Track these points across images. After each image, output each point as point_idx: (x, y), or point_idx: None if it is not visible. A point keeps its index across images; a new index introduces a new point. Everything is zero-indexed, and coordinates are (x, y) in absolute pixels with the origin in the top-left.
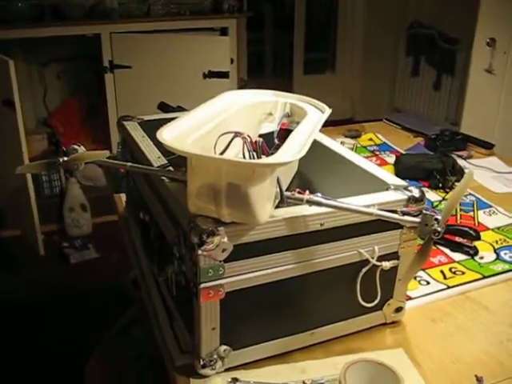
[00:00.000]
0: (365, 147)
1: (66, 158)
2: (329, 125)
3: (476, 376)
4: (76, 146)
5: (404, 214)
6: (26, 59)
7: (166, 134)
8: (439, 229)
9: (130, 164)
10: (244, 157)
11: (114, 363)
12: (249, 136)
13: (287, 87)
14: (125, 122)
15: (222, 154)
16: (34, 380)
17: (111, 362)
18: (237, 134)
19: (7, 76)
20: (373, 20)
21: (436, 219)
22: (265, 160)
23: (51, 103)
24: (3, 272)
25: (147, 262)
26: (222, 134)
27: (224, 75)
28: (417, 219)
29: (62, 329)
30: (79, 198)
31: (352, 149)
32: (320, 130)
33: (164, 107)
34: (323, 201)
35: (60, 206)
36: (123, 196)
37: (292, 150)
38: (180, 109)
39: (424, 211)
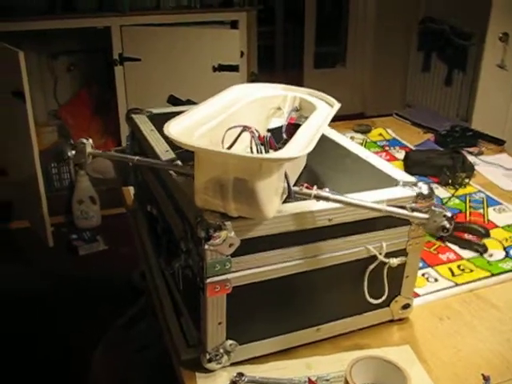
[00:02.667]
0: (374, 142)
1: (73, 152)
2: (339, 119)
3: (483, 375)
4: (84, 140)
5: (413, 210)
6: (37, 51)
7: (173, 128)
8: (448, 225)
9: (137, 158)
10: (252, 151)
11: (121, 354)
12: (257, 130)
13: (298, 81)
14: (133, 115)
15: (229, 148)
16: (42, 369)
17: (118, 352)
18: (244, 128)
19: (17, 67)
20: (384, 14)
21: (445, 216)
22: (272, 155)
23: (62, 95)
24: (12, 264)
25: (154, 255)
26: (230, 128)
27: (234, 69)
28: (426, 215)
29: (70, 320)
30: (88, 191)
31: (361, 144)
32: (329, 125)
33: (174, 100)
34: (331, 196)
35: (69, 198)
36: (131, 189)
37: (299, 145)
38: (189, 102)
39: (433, 207)
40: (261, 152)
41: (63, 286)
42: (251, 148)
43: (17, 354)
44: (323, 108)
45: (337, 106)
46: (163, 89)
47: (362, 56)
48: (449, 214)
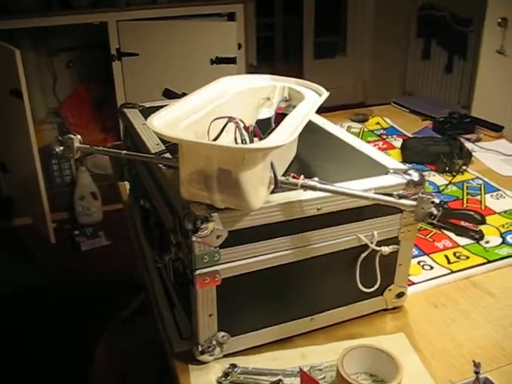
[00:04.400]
0: (372, 131)
1: (61, 148)
2: (340, 109)
3: (474, 361)
4: (72, 135)
5: (400, 197)
6: (35, 49)
7: (156, 121)
8: (435, 212)
9: (124, 152)
10: (236, 142)
11: (123, 347)
12: (241, 121)
13: (298, 72)
14: (126, 110)
15: (215, 139)
16: (45, 363)
17: (120, 346)
18: (230, 119)
19: (14, 66)
20: (383, 2)
21: (433, 202)
22: (254, 145)
23: (61, 93)
24: (15, 260)
25: (149, 249)
26: (214, 120)
27: (231, 61)
28: (413, 202)
29: (72, 315)
30: (89, 187)
31: (359, 133)
32: (326, 115)
33: (169, 94)
34: (318, 185)
35: (71, 194)
36: (128, 184)
37: (284, 134)
38: (185, 95)
39: (420, 194)
40: (245, 142)
41: (66, 281)
42: (235, 139)
43: (20, 348)
44: (311, 97)
45: (325, 94)
46: (162, 83)
47: (361, 45)
48: (437, 201)
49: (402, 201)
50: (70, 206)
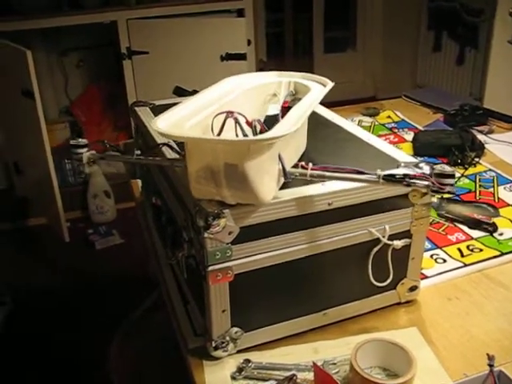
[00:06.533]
0: (383, 125)
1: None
2: (351, 103)
3: (488, 354)
4: (81, 150)
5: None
6: (46, 49)
7: (161, 122)
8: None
9: (135, 157)
10: (237, 137)
11: (137, 345)
12: (241, 114)
13: (308, 67)
14: (136, 108)
15: (218, 135)
16: (60, 360)
17: (134, 343)
18: (228, 114)
19: (26, 66)
20: None
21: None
22: (259, 136)
23: (73, 92)
24: (31, 260)
25: (162, 246)
26: (216, 116)
27: (241, 57)
28: (425, 182)
29: (87, 313)
30: (103, 185)
31: (370, 127)
32: (337, 109)
33: (179, 91)
34: (326, 173)
35: (84, 193)
36: (140, 182)
37: (288, 124)
38: (196, 92)
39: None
40: (247, 136)
41: (80, 280)
42: (236, 133)
43: (35, 347)
44: (316, 89)
45: (330, 84)
46: (172, 80)
47: (372, 39)
48: (449, 169)
49: (413, 180)
50: (84, 205)
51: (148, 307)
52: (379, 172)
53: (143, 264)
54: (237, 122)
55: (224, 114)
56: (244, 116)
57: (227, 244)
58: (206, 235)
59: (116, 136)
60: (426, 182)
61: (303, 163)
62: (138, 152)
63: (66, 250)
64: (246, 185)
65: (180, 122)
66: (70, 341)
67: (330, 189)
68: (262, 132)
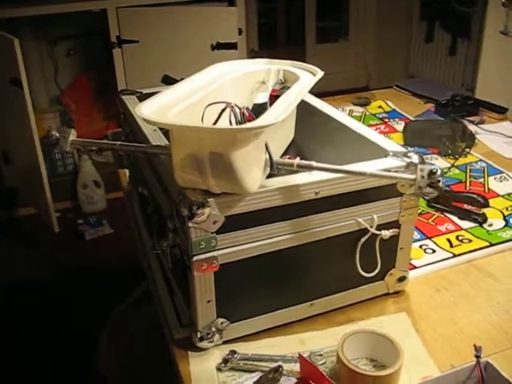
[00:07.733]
0: (374, 115)
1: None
2: (343, 93)
3: (475, 345)
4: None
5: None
6: (36, 38)
7: (145, 108)
8: (436, 169)
9: (119, 143)
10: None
11: (127, 334)
12: (236, 105)
13: (300, 57)
14: (123, 96)
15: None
16: (50, 350)
17: (124, 332)
18: (227, 104)
19: (13, 55)
20: None
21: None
22: (245, 125)
23: (63, 81)
24: (20, 250)
25: (148, 236)
26: (209, 105)
27: (232, 46)
28: (412, 176)
29: (78, 303)
30: (92, 175)
31: (361, 117)
32: (329, 99)
33: (168, 80)
34: (314, 164)
35: (74, 183)
36: (127, 171)
37: (275, 113)
38: None
39: (419, 165)
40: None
41: (71, 270)
42: (230, 122)
43: (25, 337)
44: (306, 77)
45: (320, 73)
46: (162, 69)
47: (364, 29)
48: (437, 169)
49: (400, 174)
50: (73, 195)
51: (137, 297)
52: (367, 170)
53: (133, 254)
54: (232, 111)
55: (223, 105)
56: (237, 105)
57: (212, 233)
58: (190, 224)
59: (106, 125)
60: (413, 176)
61: (290, 156)
62: (123, 139)
63: (56, 241)
64: (231, 174)
65: (165, 108)
66: (58, 330)
67: (317, 178)
68: (249, 120)
